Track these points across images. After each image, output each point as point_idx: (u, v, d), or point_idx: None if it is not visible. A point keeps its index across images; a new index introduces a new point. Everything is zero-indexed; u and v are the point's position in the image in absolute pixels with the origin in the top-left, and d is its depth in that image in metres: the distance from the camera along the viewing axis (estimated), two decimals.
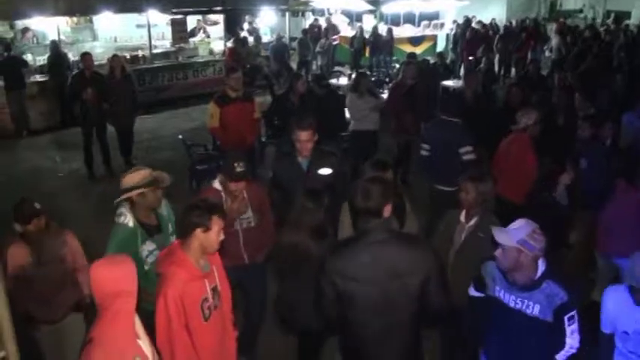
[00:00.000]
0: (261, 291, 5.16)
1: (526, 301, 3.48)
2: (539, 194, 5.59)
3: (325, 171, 5.25)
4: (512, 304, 3.56)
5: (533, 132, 6.42)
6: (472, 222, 4.45)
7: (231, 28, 17.66)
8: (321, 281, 3.44)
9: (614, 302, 3.75)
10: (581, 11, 30.18)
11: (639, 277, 3.53)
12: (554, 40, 17.75)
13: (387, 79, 14.14)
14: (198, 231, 3.44)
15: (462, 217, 4.54)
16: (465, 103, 8.32)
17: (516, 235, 3.39)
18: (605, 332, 3.83)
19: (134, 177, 4.21)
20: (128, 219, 4.19)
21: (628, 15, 28.60)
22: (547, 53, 18.08)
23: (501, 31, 19.62)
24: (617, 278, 5.47)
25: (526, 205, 5.65)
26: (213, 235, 3.48)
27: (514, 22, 23.49)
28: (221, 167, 4.95)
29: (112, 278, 2.92)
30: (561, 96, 8.75)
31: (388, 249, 3.38)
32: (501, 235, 3.44)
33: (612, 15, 27.91)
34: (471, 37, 18.71)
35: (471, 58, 18.04)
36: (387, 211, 3.47)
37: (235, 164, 4.49)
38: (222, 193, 4.67)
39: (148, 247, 4.24)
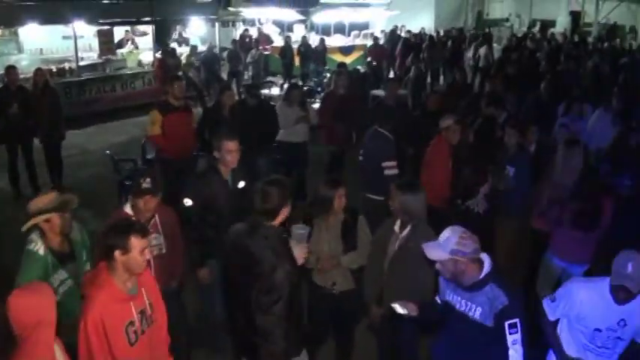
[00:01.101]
0: (177, 317, 4.75)
1: (469, 303, 3.53)
2: (458, 202, 5.76)
3: (242, 184, 5.31)
4: (458, 306, 3.62)
5: (448, 136, 6.67)
6: (405, 232, 4.47)
7: (161, 39, 17.51)
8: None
9: (589, 298, 3.82)
10: (507, 20, 31.28)
11: (623, 276, 3.58)
12: (482, 49, 18.34)
13: (320, 89, 14.33)
14: (117, 253, 3.33)
15: (396, 227, 4.56)
16: (389, 110, 8.50)
17: (446, 246, 3.42)
18: (550, 320, 4.01)
19: (39, 202, 4.04)
20: (38, 246, 4.01)
21: (553, 23, 29.85)
22: (471, 62, 18.66)
23: (427, 41, 20.14)
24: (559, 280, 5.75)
25: (449, 212, 5.79)
26: (135, 255, 3.36)
27: (442, 32, 24.22)
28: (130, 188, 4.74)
29: (31, 307, 2.84)
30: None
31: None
32: (433, 252, 3.48)
33: (538, 23, 29.05)
34: (402, 46, 19.21)
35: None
36: (284, 213, 3.77)
37: (142, 180, 4.38)
38: (132, 219, 4.39)
39: (59, 276, 4.06)
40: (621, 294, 3.65)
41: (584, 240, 5.47)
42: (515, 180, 6.48)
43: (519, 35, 24.92)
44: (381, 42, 20.88)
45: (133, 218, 4.36)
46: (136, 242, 3.37)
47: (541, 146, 7.29)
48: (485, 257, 3.53)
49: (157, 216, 4.60)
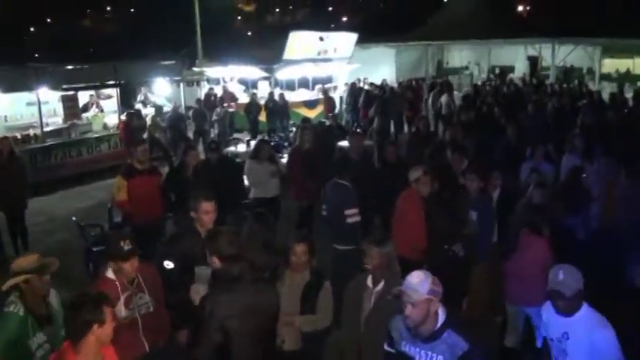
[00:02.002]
0: None
1: (429, 352, 3.53)
2: (442, 250, 5.86)
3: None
4: (418, 358, 3.60)
5: (418, 188, 6.70)
6: (379, 286, 4.44)
7: (126, 101, 17.60)
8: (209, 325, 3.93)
9: (547, 308, 4.15)
10: (467, 68, 32.14)
11: (556, 282, 3.84)
12: (443, 97, 18.74)
13: (286, 144, 14.47)
14: (95, 327, 3.32)
15: (369, 282, 4.53)
16: (352, 163, 8.63)
17: (423, 287, 3.48)
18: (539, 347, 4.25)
19: (22, 262, 4.10)
20: (18, 307, 4.03)
21: (512, 69, 30.76)
22: (431, 111, 19.12)
23: (387, 93, 20.56)
24: (529, 325, 5.80)
25: (425, 261, 5.81)
26: (108, 326, 3.39)
27: (403, 82, 24.79)
28: (106, 253, 4.68)
29: None
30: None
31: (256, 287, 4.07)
32: (413, 293, 3.49)
33: (497, 69, 29.89)
34: (365, 97, 19.60)
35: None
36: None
37: (122, 243, 4.34)
38: (117, 283, 4.42)
39: (38, 339, 4.07)
40: (557, 300, 3.91)
41: (519, 280, 5.69)
42: (478, 225, 6.56)
43: (479, 82, 25.70)
44: (344, 94, 21.42)
45: (117, 283, 4.39)
46: (108, 311, 3.39)
47: (507, 190, 7.45)
48: (440, 310, 3.59)
49: (139, 275, 4.56)
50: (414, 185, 6.77)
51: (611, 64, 30.30)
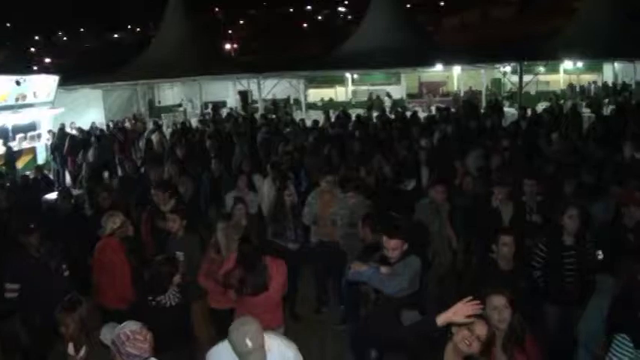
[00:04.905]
0: None
1: None
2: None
3: None
4: None
5: (121, 235, 6.65)
6: (82, 352, 4.31)
7: None
8: None
9: None
10: (180, 105, 32.36)
11: None
12: (154, 136, 18.66)
13: None
14: None
15: (70, 350, 4.33)
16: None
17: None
18: None
19: None
20: None
21: (224, 104, 31.83)
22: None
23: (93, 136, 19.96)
24: None
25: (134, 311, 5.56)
26: None
27: (112, 124, 24.13)
28: None
29: None
30: None
31: None
32: None
33: (210, 105, 30.64)
34: (70, 143, 18.66)
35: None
36: None
37: None
38: None
39: None
40: None
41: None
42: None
43: (193, 119, 26.15)
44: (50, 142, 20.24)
45: None
46: None
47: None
48: None
49: None
50: (117, 233, 6.62)
51: (316, 94, 33.20)
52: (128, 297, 6.06)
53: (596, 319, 4.96)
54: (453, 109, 22.10)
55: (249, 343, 3.65)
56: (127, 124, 24.70)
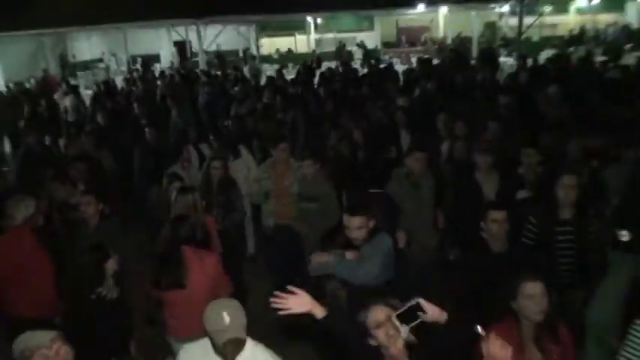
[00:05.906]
0: None
1: None
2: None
3: None
4: None
5: (35, 223, 6.30)
6: None
7: None
8: None
9: None
10: (101, 60, 31.93)
11: None
12: (67, 99, 18.43)
13: None
14: None
15: None
16: None
17: None
18: None
19: None
20: None
21: (157, 58, 31.38)
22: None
23: None
24: None
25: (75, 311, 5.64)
26: None
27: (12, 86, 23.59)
28: None
29: None
30: None
31: None
32: None
33: (139, 60, 30.24)
34: None
35: None
36: None
37: None
38: None
39: None
40: None
41: None
42: None
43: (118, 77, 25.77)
44: None
45: None
46: None
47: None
48: None
49: None
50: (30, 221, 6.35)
51: (271, 44, 32.84)
52: (49, 300, 5.89)
53: (611, 305, 4.99)
54: (437, 61, 22.10)
55: (226, 317, 3.73)
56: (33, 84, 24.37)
